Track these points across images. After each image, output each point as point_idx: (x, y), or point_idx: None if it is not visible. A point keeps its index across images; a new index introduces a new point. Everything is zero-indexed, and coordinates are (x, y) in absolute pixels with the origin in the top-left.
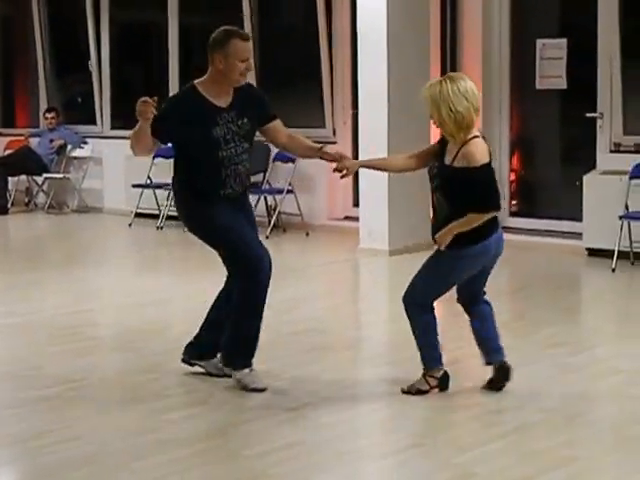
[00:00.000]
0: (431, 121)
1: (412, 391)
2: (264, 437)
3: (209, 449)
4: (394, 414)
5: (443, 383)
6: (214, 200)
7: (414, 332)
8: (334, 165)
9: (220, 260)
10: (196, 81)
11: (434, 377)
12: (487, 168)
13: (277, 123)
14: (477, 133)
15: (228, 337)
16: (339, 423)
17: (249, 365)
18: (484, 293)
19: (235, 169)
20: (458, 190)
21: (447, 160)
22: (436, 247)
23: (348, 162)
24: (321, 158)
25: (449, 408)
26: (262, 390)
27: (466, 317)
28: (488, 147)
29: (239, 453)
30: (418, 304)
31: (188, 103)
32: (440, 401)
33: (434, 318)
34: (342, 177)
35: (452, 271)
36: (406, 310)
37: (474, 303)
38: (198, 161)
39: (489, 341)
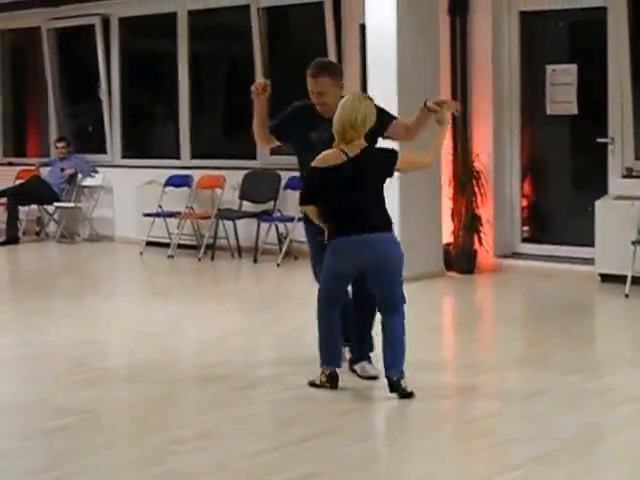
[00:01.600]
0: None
1: (309, 383)
2: (273, 468)
3: None
4: (407, 444)
5: (332, 382)
6: None
7: (318, 328)
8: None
9: (229, 289)
10: None
11: (324, 374)
12: (311, 171)
13: (394, 123)
14: (342, 145)
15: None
16: (352, 453)
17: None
18: (394, 305)
19: None
20: None
21: None
22: None
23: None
24: (429, 111)
25: (463, 437)
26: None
27: (482, 344)
28: (335, 157)
29: None
30: (323, 302)
31: (301, 108)
32: (455, 429)
33: (340, 318)
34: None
35: (328, 264)
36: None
37: (381, 312)
38: (299, 160)
39: (385, 353)
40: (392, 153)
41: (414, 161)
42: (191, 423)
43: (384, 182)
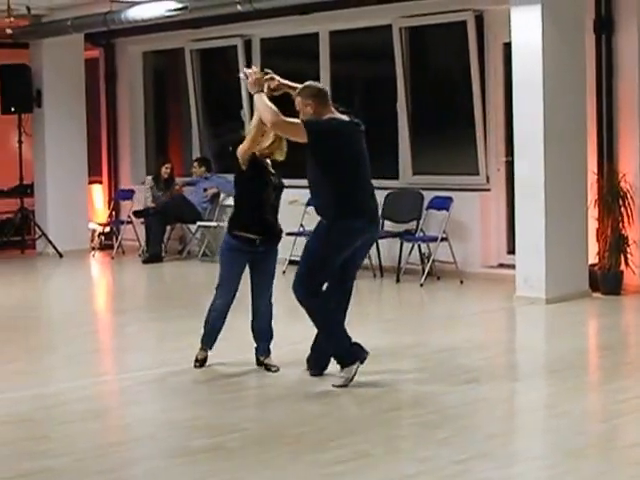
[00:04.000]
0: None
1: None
2: None
3: None
4: (563, 468)
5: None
6: None
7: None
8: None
9: (371, 309)
10: None
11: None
12: None
13: None
14: None
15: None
16: (506, 477)
17: None
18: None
19: None
20: None
21: None
22: None
23: None
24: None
25: (622, 462)
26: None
27: (631, 367)
28: None
29: None
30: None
31: None
32: (613, 455)
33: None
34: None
35: None
36: None
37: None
38: None
39: None
40: None
41: None
42: (342, 444)
43: None
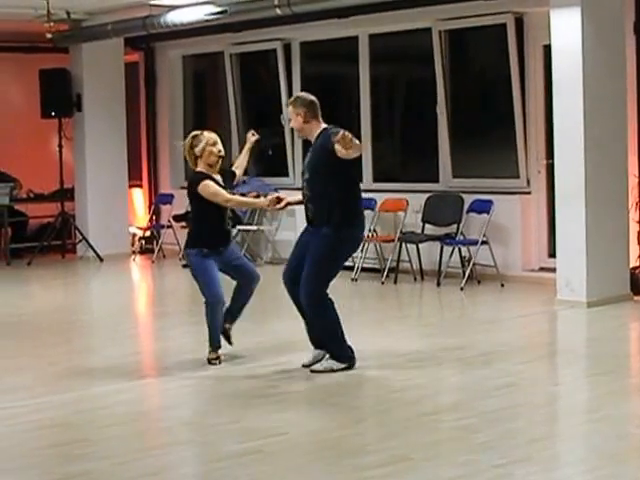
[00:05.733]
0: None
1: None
2: None
3: None
4: (604, 472)
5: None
6: None
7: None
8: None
9: (412, 312)
10: None
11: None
12: None
13: None
14: None
15: None
16: None
17: None
18: None
19: None
20: None
21: None
22: None
23: None
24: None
25: None
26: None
27: None
28: None
29: None
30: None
31: None
32: None
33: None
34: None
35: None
36: None
37: None
38: None
39: None
40: None
41: None
42: (382, 448)
43: None
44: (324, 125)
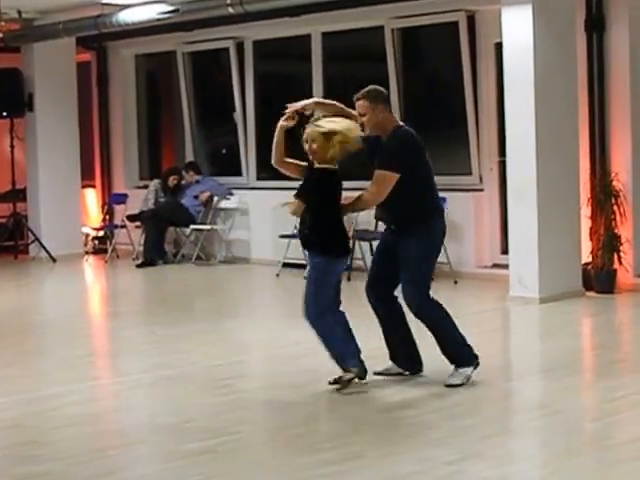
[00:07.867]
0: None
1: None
2: None
3: None
4: (555, 465)
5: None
6: None
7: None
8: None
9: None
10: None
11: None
12: None
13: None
14: None
15: None
16: (498, 477)
17: None
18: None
19: None
20: None
21: None
22: None
23: None
24: None
25: (611, 460)
26: None
27: (624, 365)
28: None
29: None
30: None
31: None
32: (602, 453)
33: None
34: None
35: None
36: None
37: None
38: None
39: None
40: None
41: None
42: (337, 445)
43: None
44: (399, 122)
